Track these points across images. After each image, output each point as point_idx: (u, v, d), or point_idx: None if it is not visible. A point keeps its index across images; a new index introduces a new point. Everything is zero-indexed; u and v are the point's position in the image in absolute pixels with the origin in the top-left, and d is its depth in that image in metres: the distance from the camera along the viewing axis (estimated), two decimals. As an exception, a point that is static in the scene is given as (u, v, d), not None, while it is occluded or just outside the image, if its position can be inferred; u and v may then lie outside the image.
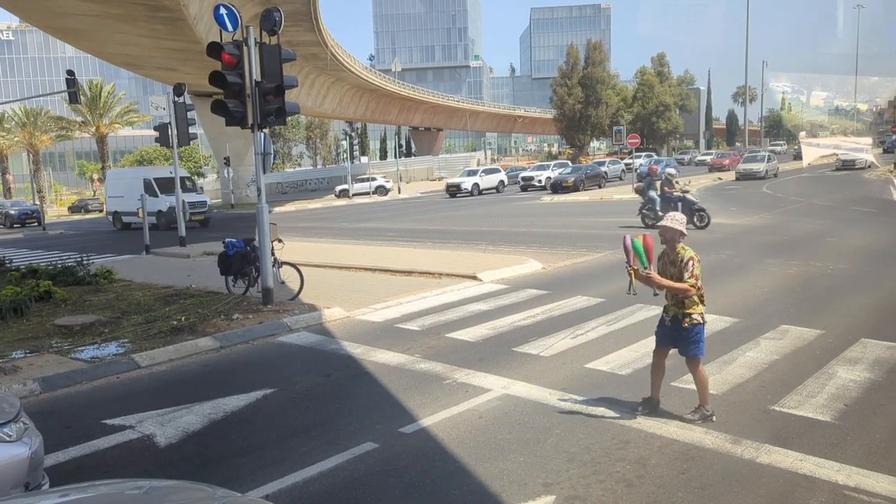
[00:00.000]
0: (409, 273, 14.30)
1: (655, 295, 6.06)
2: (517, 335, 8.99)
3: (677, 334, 5.91)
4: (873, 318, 9.08)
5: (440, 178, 68.04)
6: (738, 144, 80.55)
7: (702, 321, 5.84)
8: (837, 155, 44.86)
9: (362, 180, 57.09)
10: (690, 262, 5.75)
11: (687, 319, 5.83)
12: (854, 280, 11.61)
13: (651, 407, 6.07)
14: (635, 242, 5.89)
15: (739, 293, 10.77)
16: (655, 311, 9.68)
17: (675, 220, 5.93)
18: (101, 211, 60.63)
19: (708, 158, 63.72)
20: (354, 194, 54.18)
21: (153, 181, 32.20)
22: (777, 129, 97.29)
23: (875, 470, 4.84)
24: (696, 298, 5.82)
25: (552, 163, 53.29)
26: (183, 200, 23.99)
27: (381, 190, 54.79)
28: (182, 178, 32.05)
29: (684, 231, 5.89)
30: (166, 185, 31.42)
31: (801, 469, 4.92)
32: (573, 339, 8.60)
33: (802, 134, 75.25)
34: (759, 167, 41.96)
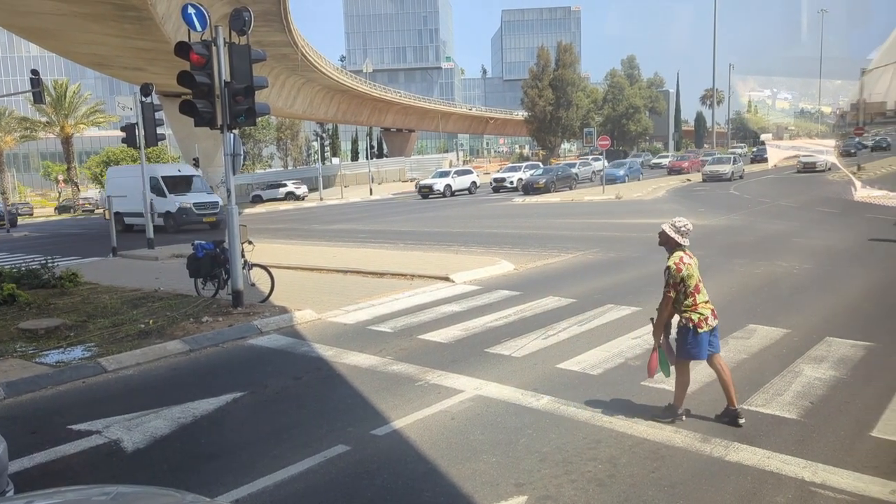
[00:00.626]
0: (381, 275, 14.27)
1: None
2: (489, 336, 9.01)
3: None
4: (838, 317, 9.25)
5: (412, 180, 67.94)
6: (706, 146, 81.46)
7: (690, 325, 5.77)
8: (799, 157, 45.47)
9: (273, 186, 57.01)
10: (667, 272, 5.77)
11: (681, 324, 5.86)
12: (819, 280, 11.83)
13: (672, 414, 5.96)
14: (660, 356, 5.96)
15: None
16: (625, 311, 9.84)
17: (672, 224, 5.88)
18: (91, 211, 59.63)
19: (664, 161, 62.70)
20: (267, 199, 54.01)
21: (161, 179, 29.88)
22: (744, 131, 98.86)
23: (840, 466, 4.93)
24: (689, 304, 5.77)
25: (524, 164, 53.49)
26: (192, 202, 23.58)
27: (290, 196, 54.42)
28: (191, 177, 31.24)
29: (674, 237, 5.81)
30: (175, 185, 30.04)
31: (768, 466, 4.99)
32: (545, 340, 8.64)
33: (768, 136, 76.25)
34: (726, 169, 42.58)
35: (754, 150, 70.32)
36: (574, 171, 47.29)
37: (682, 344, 5.85)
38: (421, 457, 5.43)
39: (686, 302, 5.78)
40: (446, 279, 13.26)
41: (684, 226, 5.86)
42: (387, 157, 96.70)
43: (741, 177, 43.33)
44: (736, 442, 5.41)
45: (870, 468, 4.89)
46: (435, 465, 5.25)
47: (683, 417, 5.88)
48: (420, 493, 4.86)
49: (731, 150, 70.33)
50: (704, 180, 42.34)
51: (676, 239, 5.82)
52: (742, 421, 5.73)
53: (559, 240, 18.69)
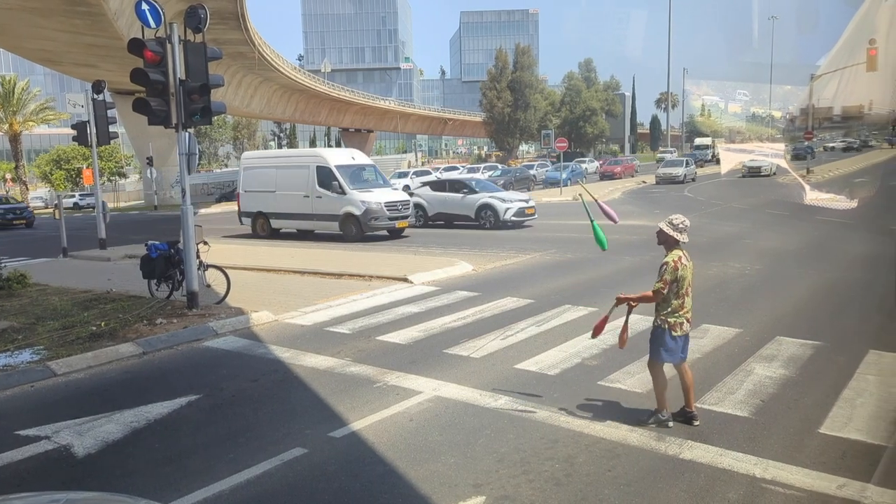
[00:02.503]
0: (339, 276, 14.18)
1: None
2: (448, 337, 9.03)
3: None
4: (787, 316, 9.49)
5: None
6: (661, 149, 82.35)
7: (665, 327, 5.82)
8: (743, 162, 45.91)
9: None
10: (663, 267, 5.82)
11: (656, 324, 5.92)
12: (769, 280, 12.12)
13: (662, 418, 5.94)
14: (594, 225, 6.51)
15: None
16: (582, 312, 9.95)
17: (669, 222, 5.91)
18: (92, 208, 57.52)
19: (592, 167, 57.61)
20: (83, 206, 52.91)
21: (335, 170, 21.06)
22: (697, 134, 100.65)
23: (789, 462, 5.06)
24: (674, 305, 5.81)
25: (482, 165, 53.62)
26: (381, 200, 20.06)
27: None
28: (366, 167, 22.87)
29: (672, 235, 5.85)
30: (355, 178, 21.50)
31: (720, 464, 5.10)
32: (503, 341, 8.69)
33: (721, 141, 77.53)
34: (678, 171, 43.29)
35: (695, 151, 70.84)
36: (532, 172, 47.71)
37: (656, 346, 5.90)
38: (379, 458, 5.41)
39: (673, 302, 5.81)
40: (405, 280, 13.25)
41: (682, 222, 5.88)
42: None
43: (693, 179, 44.04)
44: (690, 440, 5.51)
45: (818, 464, 5.03)
46: (393, 467, 5.24)
47: (670, 424, 5.83)
48: (378, 495, 4.85)
49: (660, 153, 70.75)
50: (658, 182, 42.99)
51: (675, 236, 5.84)
52: (697, 423, 5.83)
53: (517, 241, 18.81)
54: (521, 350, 8.24)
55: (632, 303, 6.14)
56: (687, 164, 45.33)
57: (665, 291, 5.80)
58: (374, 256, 16.77)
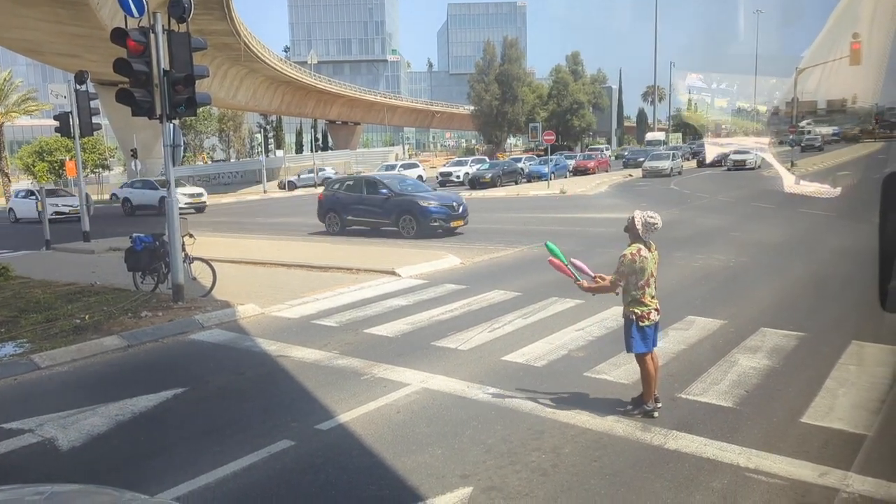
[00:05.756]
0: (326, 269, 14.14)
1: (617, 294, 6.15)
2: (435, 330, 9.04)
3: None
4: (771, 308, 9.57)
5: (358, 173, 67.42)
6: (648, 135, 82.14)
7: (633, 317, 5.87)
8: (728, 155, 45.89)
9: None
10: (620, 259, 5.89)
11: (624, 315, 6.00)
12: (753, 272, 12.21)
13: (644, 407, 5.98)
14: (549, 245, 6.19)
15: None
16: (570, 304, 9.98)
17: (644, 214, 5.92)
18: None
19: (572, 162, 53.22)
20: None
21: None
22: (684, 128, 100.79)
23: (772, 452, 5.11)
24: (636, 296, 5.87)
25: (470, 158, 53.46)
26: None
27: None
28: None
29: (638, 228, 5.86)
30: None
31: (705, 453, 5.14)
32: (490, 333, 8.71)
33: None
34: (665, 165, 43.14)
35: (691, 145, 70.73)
36: (520, 165, 47.45)
37: (627, 337, 5.98)
38: (366, 450, 5.42)
39: (634, 293, 5.87)
40: (392, 273, 13.24)
41: (654, 223, 5.89)
42: (332, 150, 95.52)
43: (679, 173, 44.07)
44: (674, 430, 5.56)
45: (800, 453, 5.08)
46: (381, 459, 5.25)
47: (655, 414, 5.86)
48: (365, 486, 4.85)
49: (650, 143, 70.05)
50: (644, 176, 42.93)
51: (640, 230, 5.88)
52: (657, 415, 5.85)
53: (505, 234, 18.83)
54: (509, 342, 8.27)
55: (592, 291, 6.31)
56: (673, 157, 45.28)
57: (621, 283, 5.93)
58: (361, 250, 16.75)
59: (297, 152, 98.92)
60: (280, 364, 7.89)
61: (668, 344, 7.84)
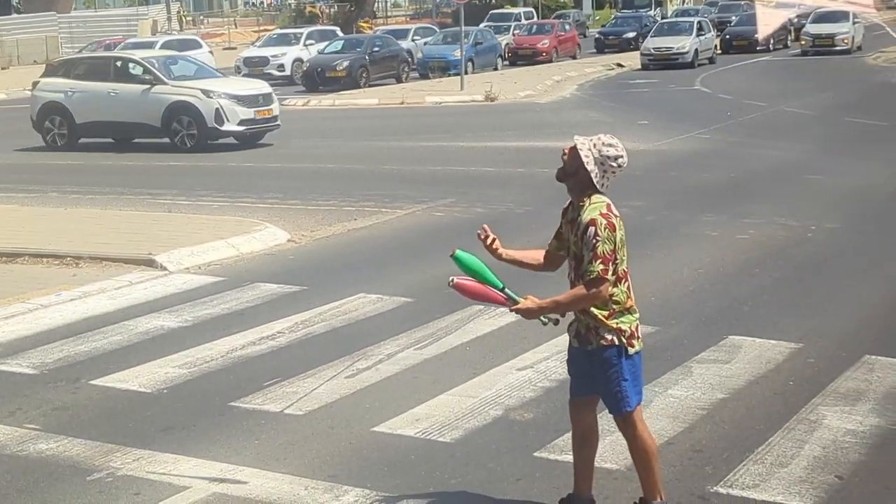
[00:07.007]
0: (15, 257, 8.78)
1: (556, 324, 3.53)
2: (241, 375, 5.46)
3: (589, 364, 3.44)
4: (881, 319, 6.26)
5: (69, 58, 30.35)
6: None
7: (618, 341, 3.31)
8: (804, 26, 29.07)
9: None
10: (590, 231, 3.21)
11: (594, 336, 3.36)
12: (849, 251, 8.20)
13: None
14: (459, 256, 3.59)
15: (656, 280, 7.06)
16: (502, 320, 6.26)
17: (596, 141, 3.30)
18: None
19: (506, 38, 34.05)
20: None
21: None
22: None
23: None
24: (618, 297, 3.36)
25: (305, 31, 33.60)
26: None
27: None
28: None
29: (591, 170, 3.23)
30: None
31: None
32: (351, 380, 5.28)
33: None
34: (683, 44, 26.98)
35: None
36: (405, 45, 30.50)
37: (613, 384, 3.43)
38: None
39: (615, 292, 3.35)
40: (150, 264, 8.33)
41: (617, 157, 3.27)
42: (20, 12, 50.08)
43: (711, 59, 28.59)
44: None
45: None
46: None
47: None
48: None
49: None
50: (646, 66, 27.67)
51: (592, 174, 3.26)
52: None
53: (380, 181, 12.39)
54: (387, 396, 5.00)
55: (555, 310, 3.49)
56: (700, 30, 28.58)
57: (611, 279, 3.31)
58: (91, 215, 10.58)
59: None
60: None
61: (692, 390, 4.86)
